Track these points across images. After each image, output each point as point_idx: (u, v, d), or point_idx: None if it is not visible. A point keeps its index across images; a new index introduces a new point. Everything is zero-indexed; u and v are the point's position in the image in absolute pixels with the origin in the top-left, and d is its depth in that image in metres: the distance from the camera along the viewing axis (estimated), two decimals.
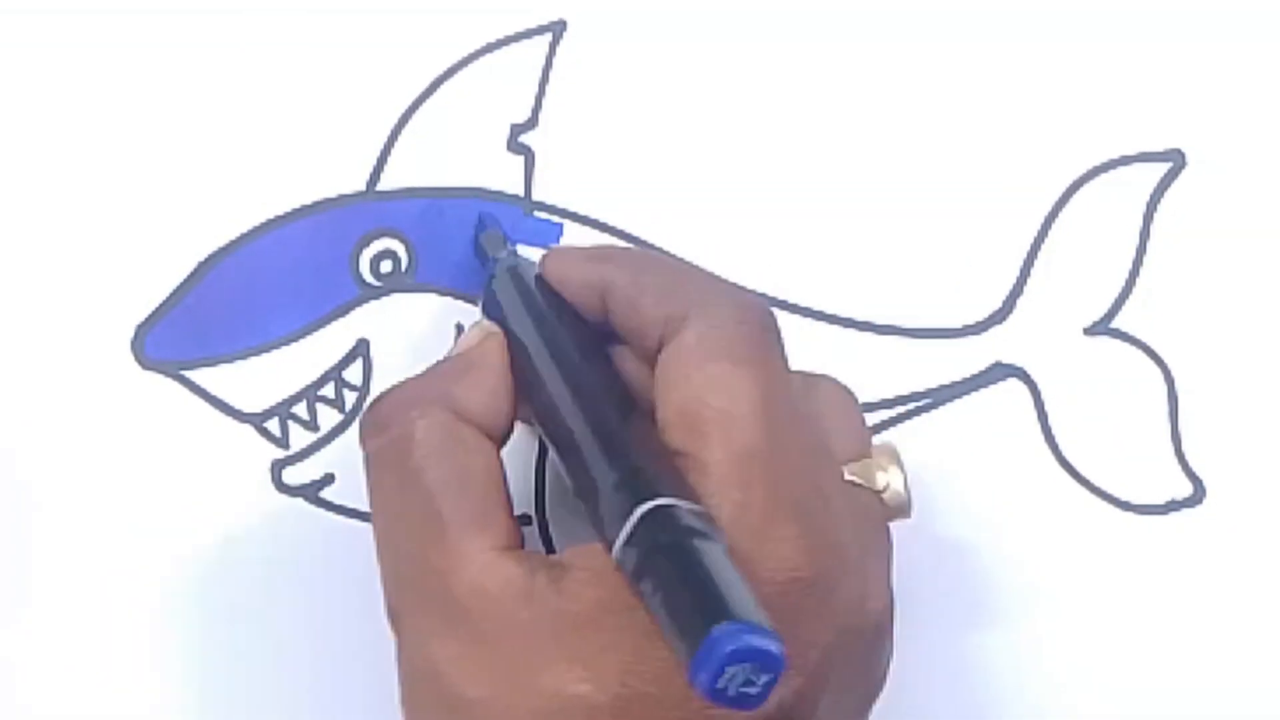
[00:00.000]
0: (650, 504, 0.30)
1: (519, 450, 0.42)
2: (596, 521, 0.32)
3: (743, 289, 0.36)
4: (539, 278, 0.38)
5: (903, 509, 0.35)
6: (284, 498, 0.41)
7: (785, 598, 0.30)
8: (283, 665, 0.41)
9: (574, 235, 0.42)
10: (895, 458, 0.36)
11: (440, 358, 0.37)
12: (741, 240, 0.43)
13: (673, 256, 0.38)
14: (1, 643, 0.41)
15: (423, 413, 0.34)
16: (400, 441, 0.34)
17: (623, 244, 0.42)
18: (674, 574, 0.29)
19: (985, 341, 0.44)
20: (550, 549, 0.42)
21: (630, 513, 0.30)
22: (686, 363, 0.33)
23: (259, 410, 0.41)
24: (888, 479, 0.35)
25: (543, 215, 0.42)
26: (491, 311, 0.38)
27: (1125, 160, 0.44)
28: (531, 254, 0.40)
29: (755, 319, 0.34)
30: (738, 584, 0.28)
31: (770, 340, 0.34)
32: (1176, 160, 0.44)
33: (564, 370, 0.35)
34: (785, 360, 0.34)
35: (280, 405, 0.41)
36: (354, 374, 0.42)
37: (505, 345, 0.36)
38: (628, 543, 0.30)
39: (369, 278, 0.42)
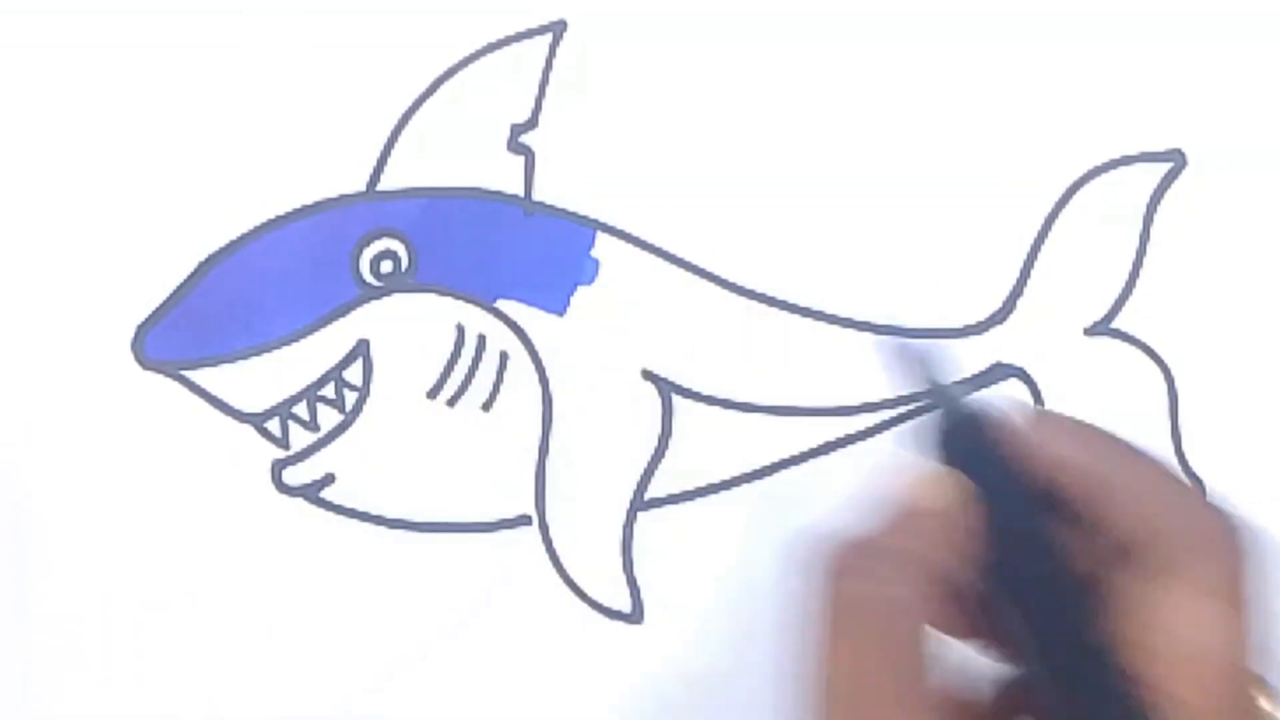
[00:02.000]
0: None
1: (519, 449, 0.42)
2: (1053, 697, 0.31)
3: (1220, 513, 0.33)
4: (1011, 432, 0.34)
5: None
6: (284, 498, 0.41)
7: None
8: (282, 663, 0.41)
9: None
10: (1268, 687, 0.35)
11: (904, 499, 0.33)
12: (742, 240, 0.43)
13: (1169, 468, 0.34)
14: (1, 642, 0.41)
15: (912, 578, 0.32)
16: (886, 601, 0.31)
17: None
18: None
19: (985, 341, 0.44)
20: (550, 549, 0.42)
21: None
22: (1172, 588, 0.32)
23: (259, 410, 0.41)
24: (1267, 708, 0.35)
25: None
26: (956, 461, 0.34)
27: (1125, 160, 0.44)
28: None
29: (1248, 549, 0.32)
30: None
31: (1255, 574, 0.33)
32: (1176, 160, 0.44)
33: (1046, 557, 0.33)
34: (1256, 595, 0.33)
35: (280, 405, 0.41)
36: (354, 374, 0.42)
37: (979, 509, 0.33)
38: None
39: (369, 278, 0.42)
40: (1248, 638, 0.32)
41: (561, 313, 0.42)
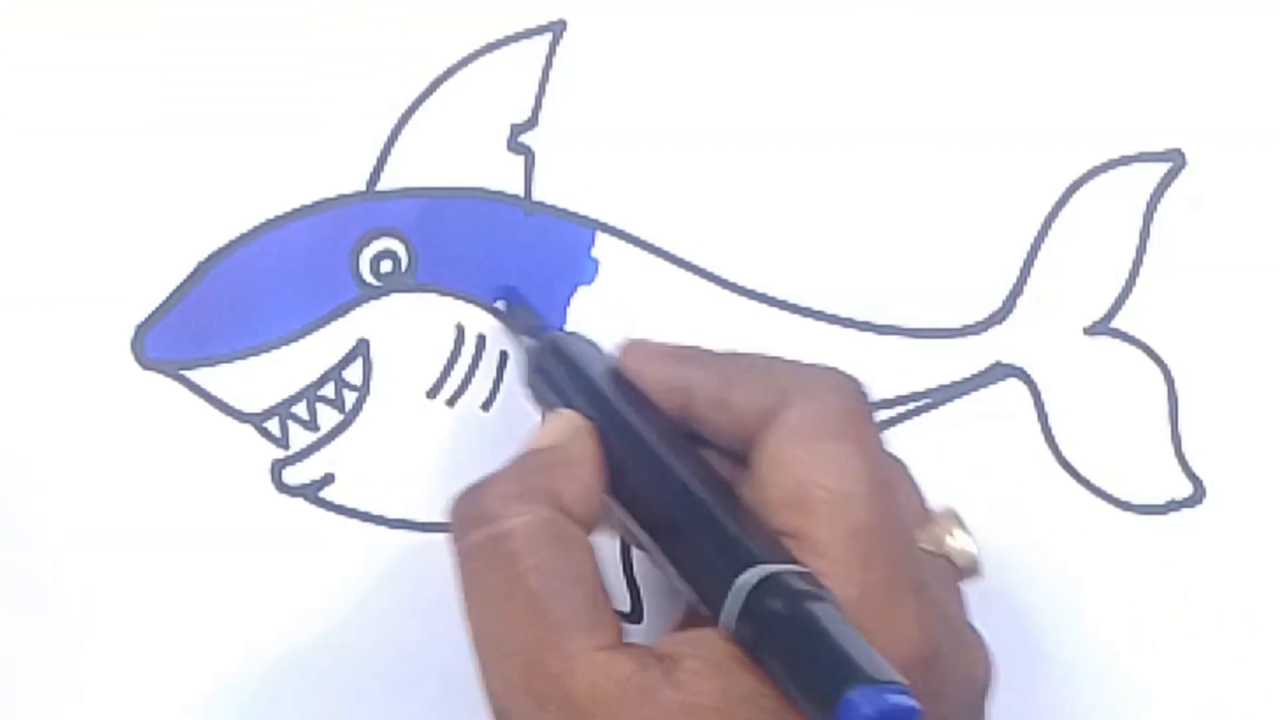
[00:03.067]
0: (759, 571, 0.30)
1: (518, 449, 0.42)
2: (707, 602, 0.31)
3: (833, 368, 0.35)
4: (613, 368, 0.37)
5: (974, 569, 0.35)
6: (284, 498, 0.41)
7: (909, 677, 0.29)
8: (282, 664, 0.41)
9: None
10: (958, 520, 0.36)
11: (523, 447, 0.36)
12: (741, 240, 0.43)
13: (756, 352, 0.37)
14: (1, 641, 0.41)
15: (527, 509, 0.33)
16: (503, 538, 0.32)
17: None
18: (798, 641, 0.28)
19: (985, 341, 0.44)
20: None
21: (741, 585, 0.30)
22: (793, 444, 0.33)
23: (259, 410, 0.41)
24: (955, 542, 0.35)
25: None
26: (545, 394, 0.38)
27: (1125, 160, 0.44)
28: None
29: (854, 395, 0.34)
30: (863, 644, 0.28)
31: (869, 415, 0.34)
32: (1176, 160, 0.44)
33: (656, 459, 0.34)
34: (877, 432, 0.34)
35: (280, 405, 0.41)
36: (354, 374, 0.42)
37: (597, 438, 0.35)
38: (742, 616, 0.30)
39: (369, 278, 0.42)
40: (874, 469, 0.33)
41: (562, 318, 0.42)
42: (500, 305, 0.41)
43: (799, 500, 0.32)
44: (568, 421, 0.36)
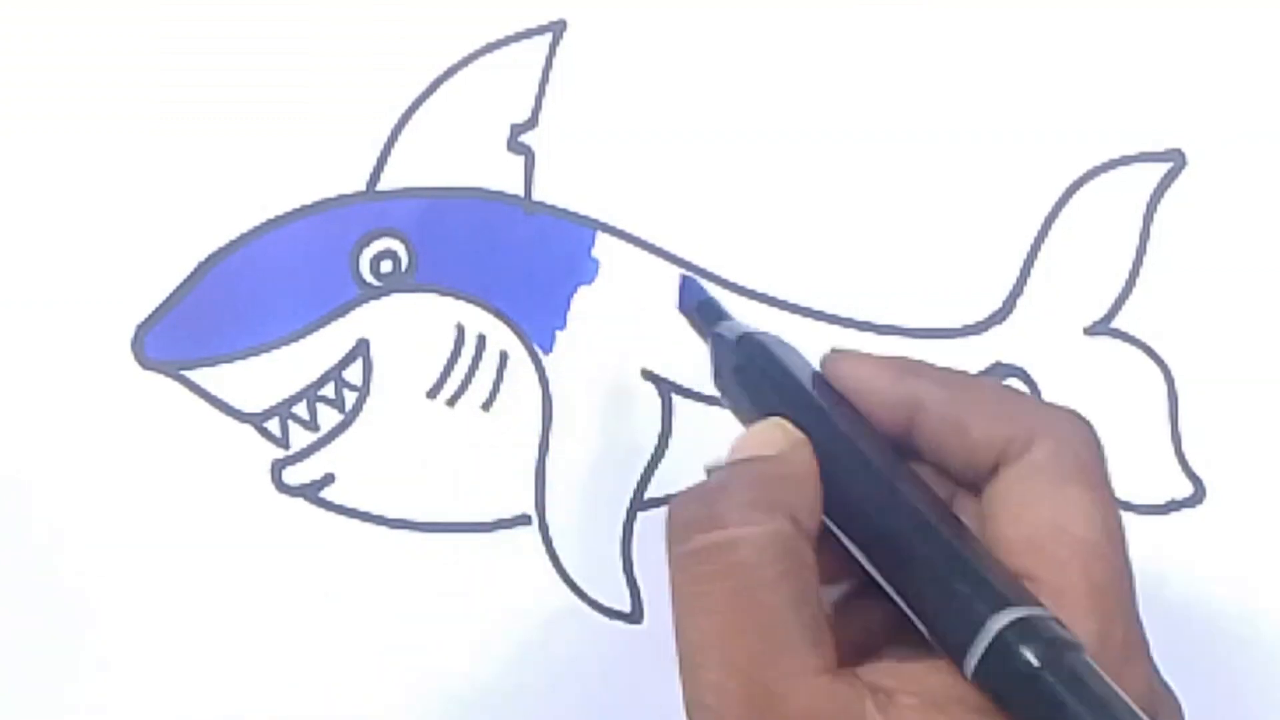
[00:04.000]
0: (1011, 613, 0.29)
1: (519, 449, 0.42)
2: (939, 638, 0.30)
3: (1072, 410, 0.33)
4: (817, 374, 0.35)
5: None
6: (284, 498, 0.41)
7: None
8: (282, 663, 0.41)
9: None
10: None
11: (738, 453, 0.33)
12: (742, 240, 0.43)
13: (986, 379, 0.36)
14: (1, 641, 0.41)
15: (763, 518, 0.31)
16: (737, 546, 0.31)
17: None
18: (1056, 691, 0.28)
19: (985, 341, 0.44)
20: (550, 549, 0.42)
21: (987, 627, 0.29)
22: (1036, 484, 0.32)
23: (259, 410, 0.41)
24: None
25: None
26: (740, 393, 0.35)
27: (1125, 160, 0.44)
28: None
29: (1094, 441, 0.33)
30: (1122, 698, 0.28)
31: (1106, 464, 0.33)
32: (1176, 160, 0.44)
33: (882, 479, 0.32)
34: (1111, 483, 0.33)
35: (280, 405, 0.41)
36: (354, 374, 0.42)
37: (815, 450, 0.33)
38: (987, 658, 0.29)
39: (369, 278, 0.42)
40: (1114, 520, 0.32)
41: (562, 318, 0.42)
42: (690, 304, 0.38)
43: (1039, 543, 0.31)
44: (785, 431, 0.34)
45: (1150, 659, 0.32)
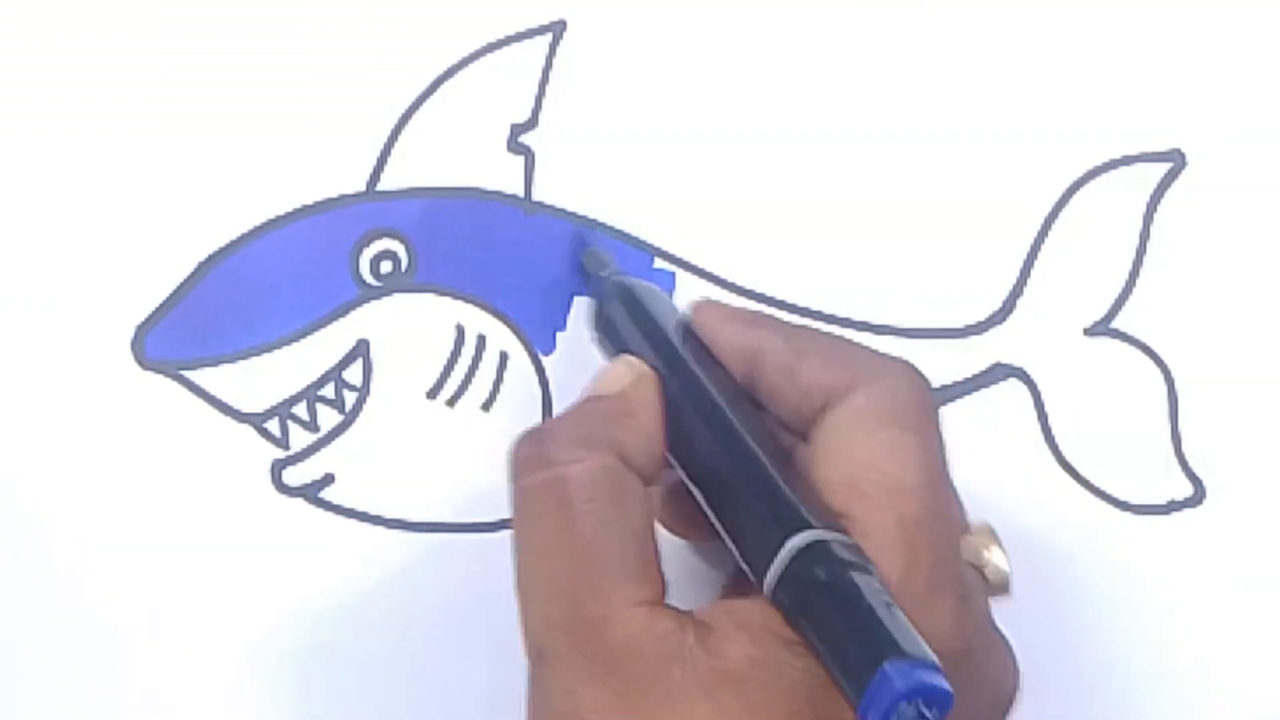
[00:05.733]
0: (806, 536, 0.30)
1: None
2: (750, 563, 0.31)
3: (902, 359, 0.35)
4: (682, 322, 0.37)
5: (1005, 587, 0.35)
6: (284, 498, 0.41)
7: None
8: (282, 664, 0.41)
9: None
10: (995, 536, 0.36)
11: (586, 392, 0.36)
12: (742, 240, 0.43)
13: (828, 331, 0.37)
14: (1, 641, 0.41)
15: (589, 455, 0.33)
16: (563, 481, 0.32)
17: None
18: (838, 609, 0.29)
19: (985, 341, 0.44)
20: None
21: (788, 549, 0.30)
22: (856, 427, 0.33)
23: (259, 410, 0.41)
24: (990, 557, 0.35)
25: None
26: (610, 336, 0.38)
27: (1125, 160, 0.44)
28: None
29: (921, 387, 0.34)
30: (903, 621, 0.28)
31: (934, 408, 0.34)
32: (1176, 160, 0.44)
33: (716, 415, 0.34)
34: (941, 428, 0.34)
35: (280, 405, 0.41)
36: (354, 374, 0.42)
37: (660, 388, 0.35)
38: (784, 579, 0.30)
39: (369, 278, 0.42)
40: (934, 463, 0.33)
41: (562, 318, 0.42)
42: (585, 250, 0.41)
43: (854, 482, 0.32)
44: (632, 368, 0.36)
45: (971, 601, 0.33)
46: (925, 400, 0.34)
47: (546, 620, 0.32)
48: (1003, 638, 0.34)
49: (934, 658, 0.27)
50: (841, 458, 0.33)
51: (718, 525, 0.33)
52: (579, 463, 0.33)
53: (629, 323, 0.37)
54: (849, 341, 0.37)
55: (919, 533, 0.32)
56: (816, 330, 0.37)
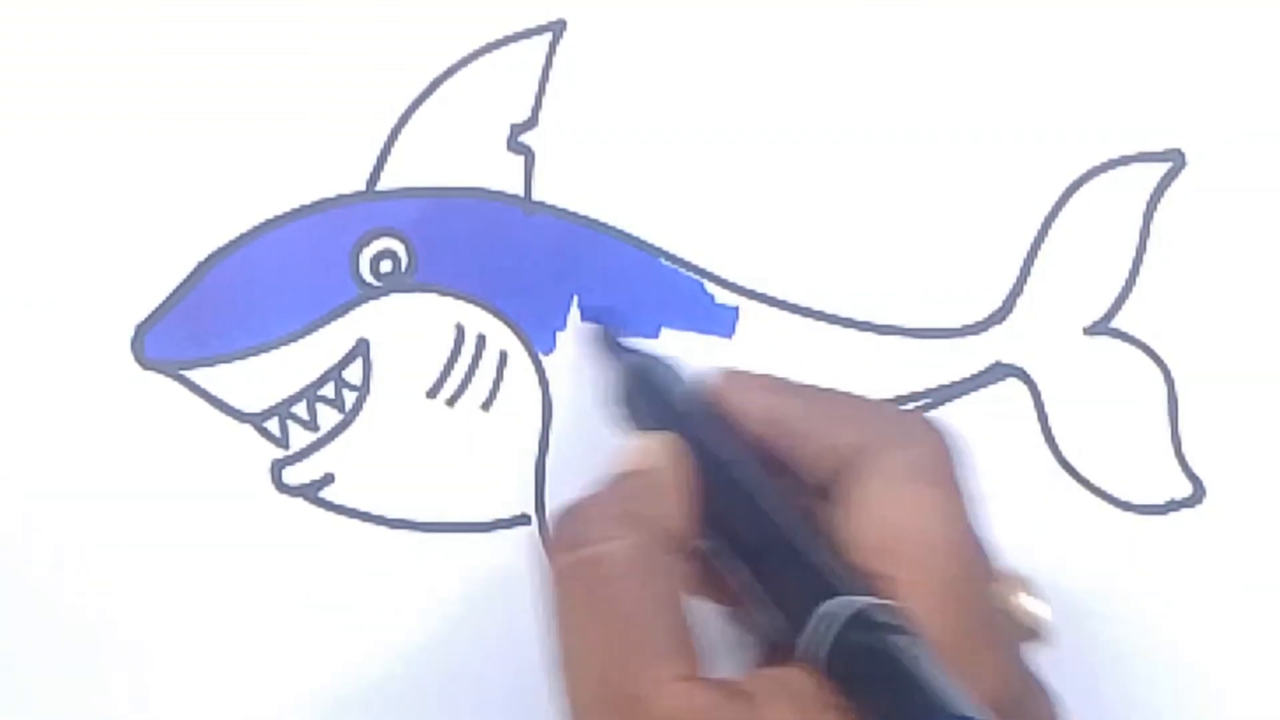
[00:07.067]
0: (848, 603, 0.30)
1: (519, 449, 0.42)
2: (789, 630, 0.31)
3: (923, 415, 0.36)
4: (697, 392, 0.37)
5: (1039, 634, 0.35)
6: (284, 498, 0.41)
7: None
8: (282, 664, 0.41)
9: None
10: (1025, 582, 0.36)
11: (620, 467, 0.35)
12: (741, 240, 0.43)
13: (847, 391, 0.37)
14: (0, 640, 0.41)
15: (623, 533, 0.33)
16: (596, 562, 0.32)
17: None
18: (887, 674, 0.29)
19: (985, 341, 0.44)
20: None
21: (833, 616, 0.30)
22: (885, 486, 0.33)
23: (259, 410, 0.41)
24: (1023, 603, 0.35)
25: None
26: (634, 411, 0.38)
27: (1125, 160, 0.44)
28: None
29: (946, 443, 0.34)
30: (951, 679, 0.28)
31: (959, 464, 0.34)
32: (1176, 160, 0.44)
33: (750, 487, 0.34)
34: (970, 480, 0.34)
35: (280, 405, 0.41)
36: (354, 374, 0.42)
37: (690, 462, 0.35)
38: (833, 647, 0.30)
39: (369, 278, 0.42)
40: (965, 518, 0.33)
41: (562, 318, 0.42)
42: (588, 325, 0.42)
43: (889, 543, 0.32)
44: (661, 444, 0.36)
45: (1011, 652, 0.33)
46: (949, 455, 0.34)
47: (583, 699, 0.32)
48: (1046, 686, 0.35)
49: (988, 713, 0.28)
50: (874, 517, 0.33)
51: (753, 593, 0.33)
52: (613, 540, 0.32)
53: (653, 399, 0.38)
54: (869, 400, 0.37)
55: (957, 590, 0.32)
56: (837, 391, 0.37)
